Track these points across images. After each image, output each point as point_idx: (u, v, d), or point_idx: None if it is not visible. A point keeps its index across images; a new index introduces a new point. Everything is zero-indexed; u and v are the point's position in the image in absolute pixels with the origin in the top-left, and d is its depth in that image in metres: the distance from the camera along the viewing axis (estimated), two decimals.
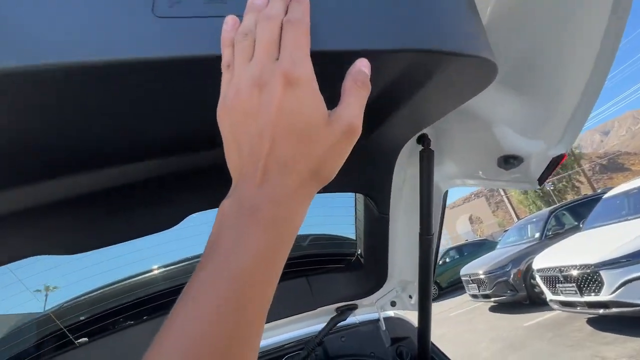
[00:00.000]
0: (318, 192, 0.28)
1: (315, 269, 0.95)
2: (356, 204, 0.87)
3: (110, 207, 0.57)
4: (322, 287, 0.95)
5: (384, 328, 0.98)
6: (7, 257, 0.52)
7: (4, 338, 0.77)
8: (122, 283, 0.85)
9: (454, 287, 10.32)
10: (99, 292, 0.83)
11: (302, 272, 0.93)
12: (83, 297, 0.81)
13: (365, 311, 1.04)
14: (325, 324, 0.95)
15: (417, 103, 0.46)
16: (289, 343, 0.94)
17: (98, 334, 0.78)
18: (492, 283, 6.34)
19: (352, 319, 1.02)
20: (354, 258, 0.97)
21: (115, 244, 0.59)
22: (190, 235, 0.73)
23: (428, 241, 0.78)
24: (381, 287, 0.93)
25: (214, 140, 0.35)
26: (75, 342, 0.75)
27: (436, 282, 10.70)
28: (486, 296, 6.68)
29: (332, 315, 0.97)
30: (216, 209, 0.25)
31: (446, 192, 0.86)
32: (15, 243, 0.51)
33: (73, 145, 0.39)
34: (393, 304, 1.04)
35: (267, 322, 0.87)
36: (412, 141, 0.69)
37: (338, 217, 0.95)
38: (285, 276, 0.93)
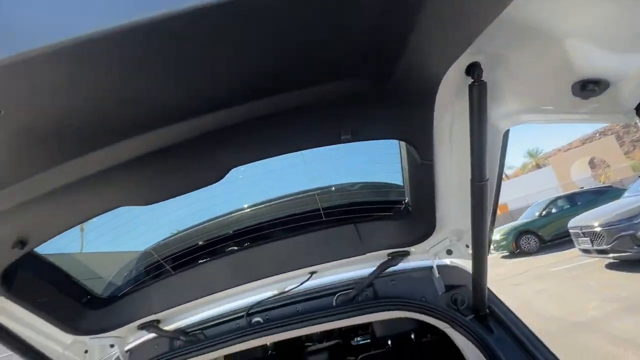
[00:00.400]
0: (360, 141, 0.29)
1: (364, 216, 0.97)
2: (400, 151, 0.83)
3: (171, 166, 0.69)
4: (371, 234, 0.97)
5: (438, 275, 0.97)
6: (102, 209, 0.69)
7: (121, 270, 1.05)
8: (198, 226, 1.03)
9: (561, 241, 9.06)
10: (185, 231, 1.03)
11: (350, 219, 0.96)
12: (172, 236, 1.03)
13: (419, 258, 1.03)
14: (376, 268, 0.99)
15: (444, 10, 0.39)
16: (342, 283, 1.02)
17: (187, 265, 0.98)
18: (612, 237, 5.35)
19: (405, 265, 1.03)
20: (402, 206, 0.95)
21: (175, 196, 0.72)
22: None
23: (480, 188, 0.71)
24: (429, 236, 0.90)
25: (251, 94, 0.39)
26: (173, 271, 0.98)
27: (536, 234, 9.55)
28: (602, 251, 5.71)
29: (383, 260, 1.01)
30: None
31: (507, 132, 0.74)
32: (107, 197, 0.68)
33: (148, 105, 0.47)
34: (449, 252, 1.01)
35: (317, 264, 0.96)
36: (460, 73, 0.60)
37: (385, 164, 0.93)
38: (334, 222, 0.98)
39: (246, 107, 0.55)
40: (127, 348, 1.12)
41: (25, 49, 0.29)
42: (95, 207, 0.71)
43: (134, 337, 1.12)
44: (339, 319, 0.92)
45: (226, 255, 1.05)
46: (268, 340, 1.02)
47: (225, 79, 0.46)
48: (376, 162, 0.94)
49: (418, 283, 0.98)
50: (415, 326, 1.49)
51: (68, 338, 1.06)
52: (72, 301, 1.01)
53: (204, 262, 1.05)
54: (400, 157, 0.85)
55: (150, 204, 0.72)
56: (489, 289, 0.97)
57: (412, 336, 1.60)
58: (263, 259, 1.03)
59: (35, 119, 0.43)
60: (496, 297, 0.95)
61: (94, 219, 0.79)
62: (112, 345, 1.13)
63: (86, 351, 1.12)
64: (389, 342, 1.61)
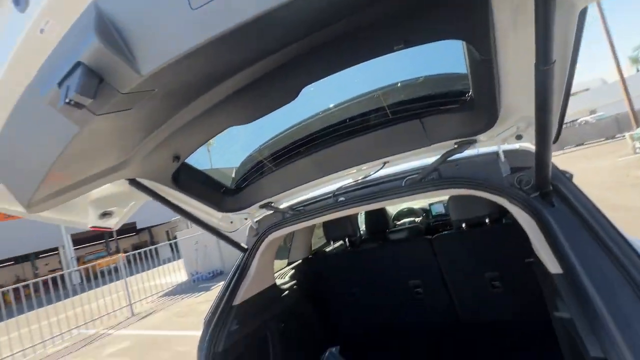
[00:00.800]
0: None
1: (429, 110, 1.04)
2: (462, 44, 0.81)
3: (263, 91, 0.88)
4: (437, 126, 1.06)
5: (503, 159, 1.04)
6: (221, 128, 0.96)
7: (242, 170, 1.42)
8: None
9: None
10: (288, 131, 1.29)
11: (416, 113, 1.05)
12: (271, 141, 1.31)
13: (486, 145, 1.10)
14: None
15: None
16: (409, 170, 1.19)
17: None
18: None
19: (471, 151, 1.12)
20: (467, 97, 0.97)
21: (268, 114, 0.94)
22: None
23: (545, 73, 0.69)
24: (494, 124, 0.94)
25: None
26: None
27: None
28: None
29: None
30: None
31: (584, 11, 0.65)
32: (223, 119, 0.93)
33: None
34: (519, 137, 1.04)
35: (385, 157, 1.14)
36: None
37: (448, 59, 0.92)
38: (399, 119, 1.09)
39: (315, 36, 0.66)
40: (255, 220, 1.60)
41: None
42: (217, 127, 1.00)
43: (259, 213, 1.58)
44: (405, 196, 1.13)
45: (315, 152, 1.30)
46: (349, 212, 1.32)
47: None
48: (438, 57, 0.94)
49: (482, 166, 1.07)
50: (489, 212, 1.64)
51: (218, 214, 1.57)
52: (215, 191, 1.46)
53: (299, 158, 1.33)
54: (462, 50, 0.84)
55: (252, 121, 0.97)
56: (557, 168, 1.01)
57: (487, 221, 1.76)
58: (343, 154, 1.25)
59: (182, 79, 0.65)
60: (565, 176, 0.98)
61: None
62: (245, 218, 1.63)
63: (231, 222, 1.64)
64: (463, 225, 1.81)
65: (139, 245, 23.07)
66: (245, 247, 1.59)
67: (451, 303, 1.72)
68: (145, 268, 8.93)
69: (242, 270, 1.49)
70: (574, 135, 22.26)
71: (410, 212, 3.48)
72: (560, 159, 16.47)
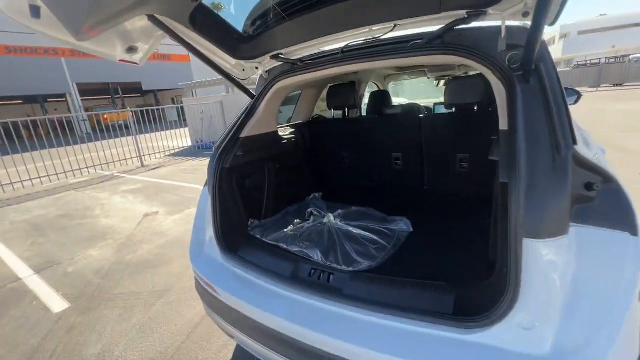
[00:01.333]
0: None
1: None
2: None
3: None
4: None
5: (503, 35, 1.10)
6: None
7: (256, 19, 1.44)
8: None
9: None
10: None
11: None
12: None
13: (493, 19, 1.14)
14: None
15: None
16: (417, 35, 1.25)
17: None
18: None
19: (478, 24, 1.16)
20: None
21: None
22: None
23: None
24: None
25: None
26: None
27: None
28: None
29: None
30: None
31: None
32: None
33: None
34: (525, 14, 1.08)
35: (396, 19, 1.20)
36: None
37: None
38: None
39: None
40: (265, 69, 1.71)
41: None
42: None
43: (269, 63, 1.68)
44: (406, 57, 1.23)
45: (327, 5, 1.32)
46: (353, 68, 1.43)
47: None
48: None
49: (483, 38, 1.13)
50: (480, 100, 1.74)
51: (232, 60, 1.66)
52: (230, 37, 1.52)
53: (312, 11, 1.36)
54: None
55: None
56: (546, 49, 1.08)
57: (475, 108, 1.90)
58: (356, 11, 1.28)
59: None
60: (550, 58, 1.06)
61: None
62: (256, 68, 1.73)
63: (243, 70, 1.75)
64: (453, 109, 1.96)
65: (144, 106, 23.35)
66: (254, 94, 1.74)
67: (422, 175, 2.02)
68: (153, 130, 9.35)
69: (249, 110, 1.68)
70: (617, 73, 20.31)
71: (416, 108, 3.59)
72: (589, 96, 15.50)
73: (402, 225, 1.49)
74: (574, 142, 0.85)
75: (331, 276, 1.18)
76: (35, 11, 1.03)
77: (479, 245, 1.30)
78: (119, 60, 1.61)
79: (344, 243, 1.36)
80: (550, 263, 0.81)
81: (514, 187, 0.82)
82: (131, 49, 1.52)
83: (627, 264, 0.81)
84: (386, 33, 1.31)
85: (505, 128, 1.02)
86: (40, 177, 6.83)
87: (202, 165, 7.68)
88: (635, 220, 0.84)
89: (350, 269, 1.22)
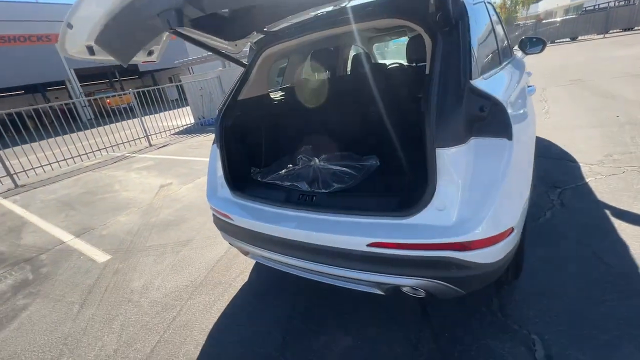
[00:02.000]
0: None
1: None
2: None
3: None
4: None
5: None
6: None
7: None
8: None
9: None
10: None
11: None
12: None
13: None
14: None
15: None
16: (372, 3, 1.55)
17: None
18: None
19: None
20: None
21: None
22: None
23: None
24: None
25: None
26: None
27: None
28: None
29: None
30: None
31: None
32: None
33: None
34: None
35: None
36: None
37: None
38: None
39: None
40: (253, 41, 2.02)
41: None
42: None
43: (257, 37, 1.98)
44: (363, 22, 1.53)
45: None
46: (323, 34, 1.73)
47: None
48: None
49: (418, 2, 1.43)
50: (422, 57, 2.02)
51: (226, 42, 1.97)
52: (222, 25, 1.81)
53: None
54: None
55: None
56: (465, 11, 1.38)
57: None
58: None
59: None
60: (468, 21, 1.37)
61: None
62: (248, 42, 2.04)
63: (235, 45, 2.06)
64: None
65: (143, 87, 23.36)
66: (246, 63, 2.07)
67: (383, 123, 2.27)
68: (154, 111, 9.64)
69: (243, 78, 2.02)
70: (626, 17, 19.44)
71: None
72: (593, 43, 15.10)
73: (372, 161, 1.87)
74: (470, 77, 1.20)
75: (314, 197, 1.58)
76: (91, 51, 1.60)
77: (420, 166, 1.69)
78: (142, 62, 2.01)
79: (325, 176, 1.75)
80: (454, 163, 1.18)
81: (428, 113, 1.18)
82: (150, 52, 1.91)
83: (503, 158, 1.19)
84: (348, 3, 1.61)
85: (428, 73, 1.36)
86: (58, 161, 7.30)
87: (206, 141, 8.04)
88: (511, 130, 1.21)
89: (328, 190, 1.62)
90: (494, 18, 2.27)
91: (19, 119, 6.94)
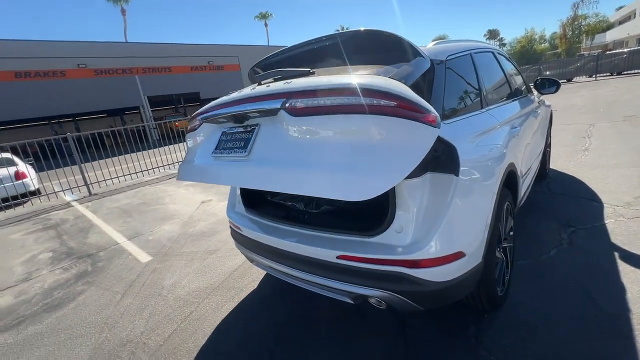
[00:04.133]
0: None
1: None
2: None
3: None
4: None
5: None
6: None
7: None
8: None
9: None
10: None
11: None
12: None
13: None
14: None
15: None
16: None
17: None
18: None
19: None
20: None
21: None
22: None
23: None
24: None
25: None
26: None
27: None
28: None
29: None
30: None
31: None
32: None
33: None
34: None
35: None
36: None
37: None
38: None
39: None
40: None
41: None
42: None
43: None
44: None
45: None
46: None
47: None
48: None
49: None
50: None
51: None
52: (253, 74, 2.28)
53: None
54: None
55: None
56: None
57: None
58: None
59: None
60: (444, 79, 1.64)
61: None
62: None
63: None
64: None
65: None
66: None
67: None
68: None
69: None
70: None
71: None
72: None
73: None
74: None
75: (306, 215, 1.88)
76: None
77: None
78: None
79: (318, 200, 2.04)
80: (411, 193, 1.41)
81: None
82: None
83: (450, 191, 1.38)
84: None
85: None
86: (124, 175, 8.50)
87: None
88: (458, 167, 1.41)
89: (319, 210, 1.90)
90: (488, 66, 2.47)
91: (99, 138, 8.32)
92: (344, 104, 1.26)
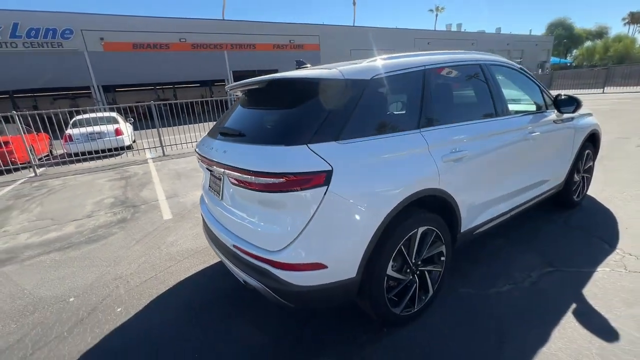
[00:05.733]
0: None
1: None
2: None
3: None
4: None
5: None
6: None
7: None
8: None
9: None
10: None
11: None
12: None
13: None
14: None
15: None
16: None
17: None
18: None
19: None
20: None
21: None
22: None
23: None
24: None
25: None
26: None
27: None
28: None
29: None
30: None
31: None
32: None
33: None
34: None
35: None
36: None
37: None
38: None
39: None
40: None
41: None
42: None
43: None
44: None
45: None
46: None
47: None
48: None
49: None
50: None
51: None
52: None
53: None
54: None
55: None
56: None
57: None
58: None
59: None
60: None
61: None
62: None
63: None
64: None
65: None
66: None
67: None
68: None
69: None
70: None
71: None
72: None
73: None
74: (309, 142, 1.55)
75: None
76: None
77: None
78: None
79: None
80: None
81: None
82: None
83: (313, 208, 1.51)
84: None
85: None
86: (192, 142, 9.85)
87: None
88: (328, 187, 1.50)
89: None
90: (458, 81, 2.29)
91: (191, 105, 9.86)
92: (249, 182, 1.62)
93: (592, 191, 3.96)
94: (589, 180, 3.69)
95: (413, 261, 1.92)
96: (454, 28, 44.84)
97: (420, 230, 1.88)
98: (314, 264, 1.54)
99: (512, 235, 3.06)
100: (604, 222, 3.17)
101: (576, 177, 3.39)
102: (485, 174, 2.24)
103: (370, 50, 29.41)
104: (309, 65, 2.47)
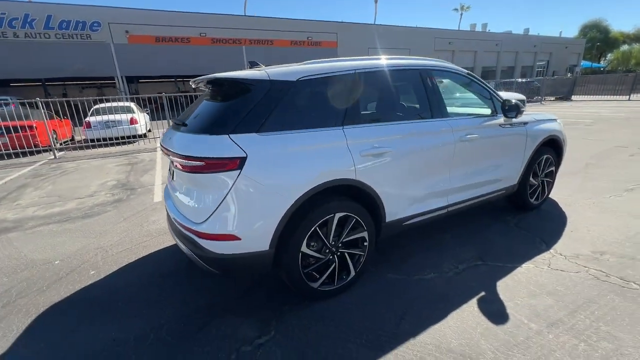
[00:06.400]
0: None
1: None
2: None
3: None
4: None
5: None
6: None
7: None
8: None
9: None
10: None
11: None
12: None
13: None
14: None
15: None
16: None
17: None
18: None
19: None
20: None
21: None
22: None
23: None
24: None
25: None
26: None
27: None
28: None
29: None
30: None
31: None
32: None
33: None
34: None
35: None
36: None
37: None
38: None
39: None
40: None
41: None
42: None
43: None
44: None
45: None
46: None
47: None
48: None
49: None
50: None
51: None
52: None
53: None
54: None
55: None
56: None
57: None
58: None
59: None
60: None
61: None
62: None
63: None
64: None
65: None
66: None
67: None
68: None
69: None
70: None
71: None
72: None
73: None
74: (232, 132, 1.83)
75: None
76: None
77: None
78: None
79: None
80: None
81: None
82: None
83: (228, 188, 1.79)
84: None
85: None
86: None
87: None
88: (241, 171, 1.78)
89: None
90: (387, 85, 2.47)
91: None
92: (182, 164, 1.93)
93: (559, 196, 4.04)
94: (550, 184, 3.77)
95: (332, 242, 2.17)
96: (478, 28, 43.58)
97: (338, 215, 2.12)
98: (227, 235, 1.83)
99: (459, 230, 3.24)
100: (554, 225, 3.28)
101: (533, 181, 3.49)
102: (414, 170, 2.44)
103: (387, 49, 29.22)
104: (262, 66, 2.75)
